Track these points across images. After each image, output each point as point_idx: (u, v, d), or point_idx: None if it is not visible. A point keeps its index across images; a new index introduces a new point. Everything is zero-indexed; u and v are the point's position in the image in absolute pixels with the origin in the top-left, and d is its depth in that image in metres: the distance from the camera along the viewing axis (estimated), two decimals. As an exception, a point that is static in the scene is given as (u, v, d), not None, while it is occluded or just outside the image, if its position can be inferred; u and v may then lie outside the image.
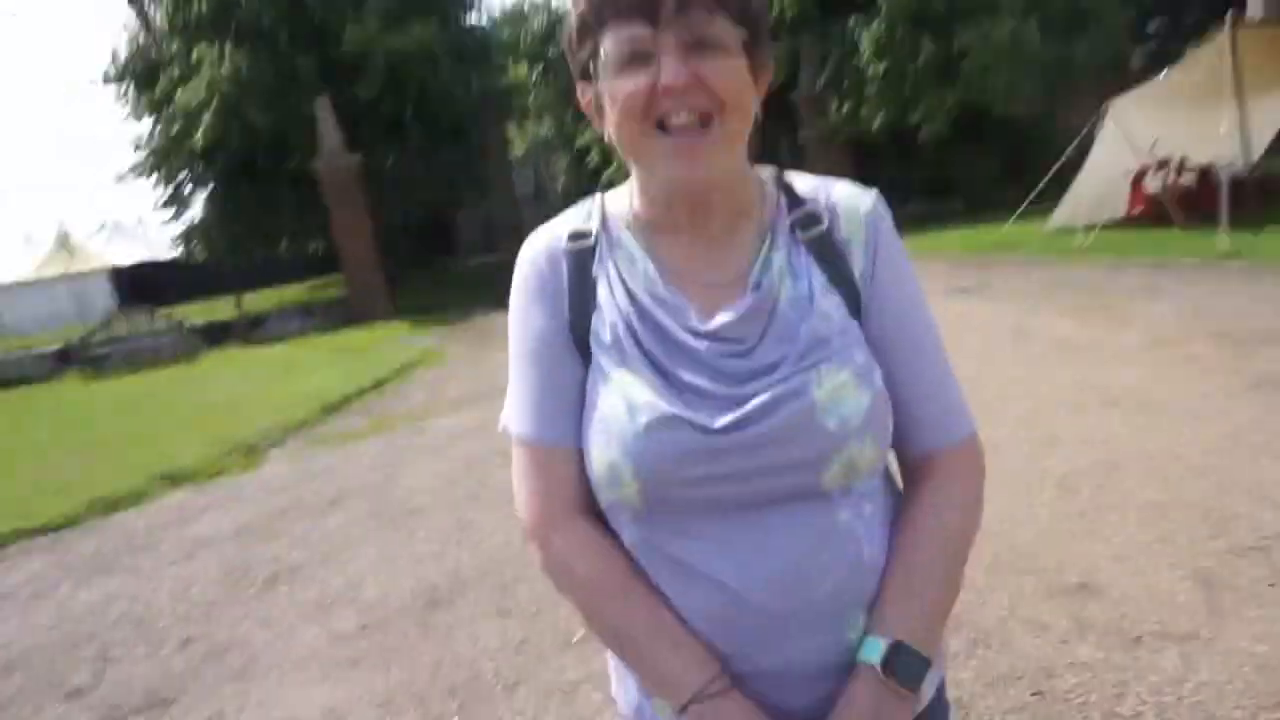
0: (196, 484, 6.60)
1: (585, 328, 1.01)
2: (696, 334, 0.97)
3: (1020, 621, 2.91)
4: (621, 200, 1.07)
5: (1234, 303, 7.12)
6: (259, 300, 21.87)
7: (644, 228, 1.04)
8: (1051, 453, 4.37)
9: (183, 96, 19.34)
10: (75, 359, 14.86)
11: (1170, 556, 3.17)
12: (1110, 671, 2.57)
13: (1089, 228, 11.44)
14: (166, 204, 22.59)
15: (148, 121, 21.53)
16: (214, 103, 18.64)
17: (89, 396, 12.69)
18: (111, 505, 6.28)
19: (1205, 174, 10.76)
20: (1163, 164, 11.20)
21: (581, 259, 1.04)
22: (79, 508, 6.23)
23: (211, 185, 21.94)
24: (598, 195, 1.10)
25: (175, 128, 19.82)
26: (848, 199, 1.04)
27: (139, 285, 28.70)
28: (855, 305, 0.99)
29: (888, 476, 1.04)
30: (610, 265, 1.03)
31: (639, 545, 0.98)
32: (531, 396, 1.03)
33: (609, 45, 0.92)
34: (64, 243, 32.97)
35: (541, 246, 1.06)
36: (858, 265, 1.00)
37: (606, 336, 0.99)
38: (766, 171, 1.08)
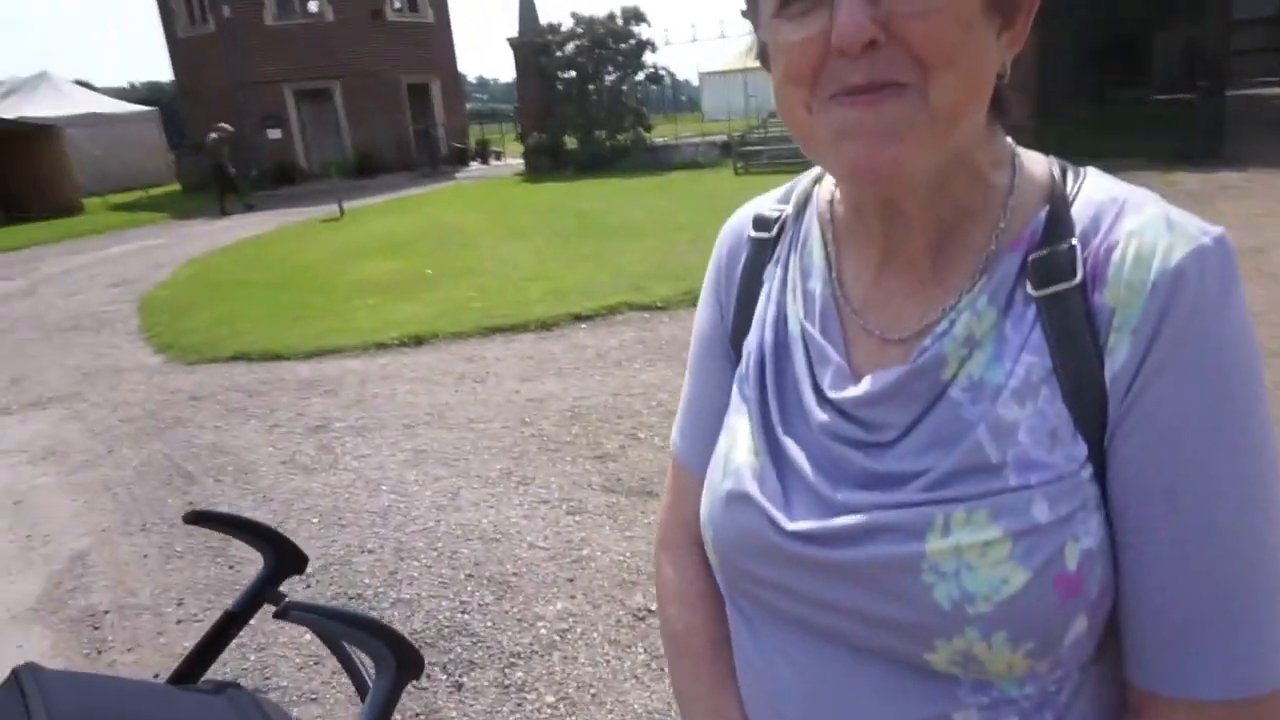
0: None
1: (743, 341, 0.82)
2: (822, 398, 0.72)
3: None
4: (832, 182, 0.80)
5: None
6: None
7: (838, 226, 0.77)
8: None
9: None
10: (731, 151, 16.86)
11: None
12: None
13: None
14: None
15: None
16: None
17: (731, 188, 14.43)
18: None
19: None
20: None
21: (760, 252, 0.82)
22: (676, 295, 7.33)
23: None
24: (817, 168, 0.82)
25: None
26: (1141, 242, 0.61)
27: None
28: (1093, 423, 0.62)
29: (1092, 692, 0.67)
30: (780, 270, 0.80)
31: (729, 614, 0.82)
32: (683, 405, 0.89)
33: None
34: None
35: (731, 227, 0.87)
36: (1117, 358, 0.61)
37: (744, 363, 0.79)
38: (1039, 167, 0.71)
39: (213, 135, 18.02)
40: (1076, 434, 0.62)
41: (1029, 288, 0.65)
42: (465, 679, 2.71)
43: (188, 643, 3.12)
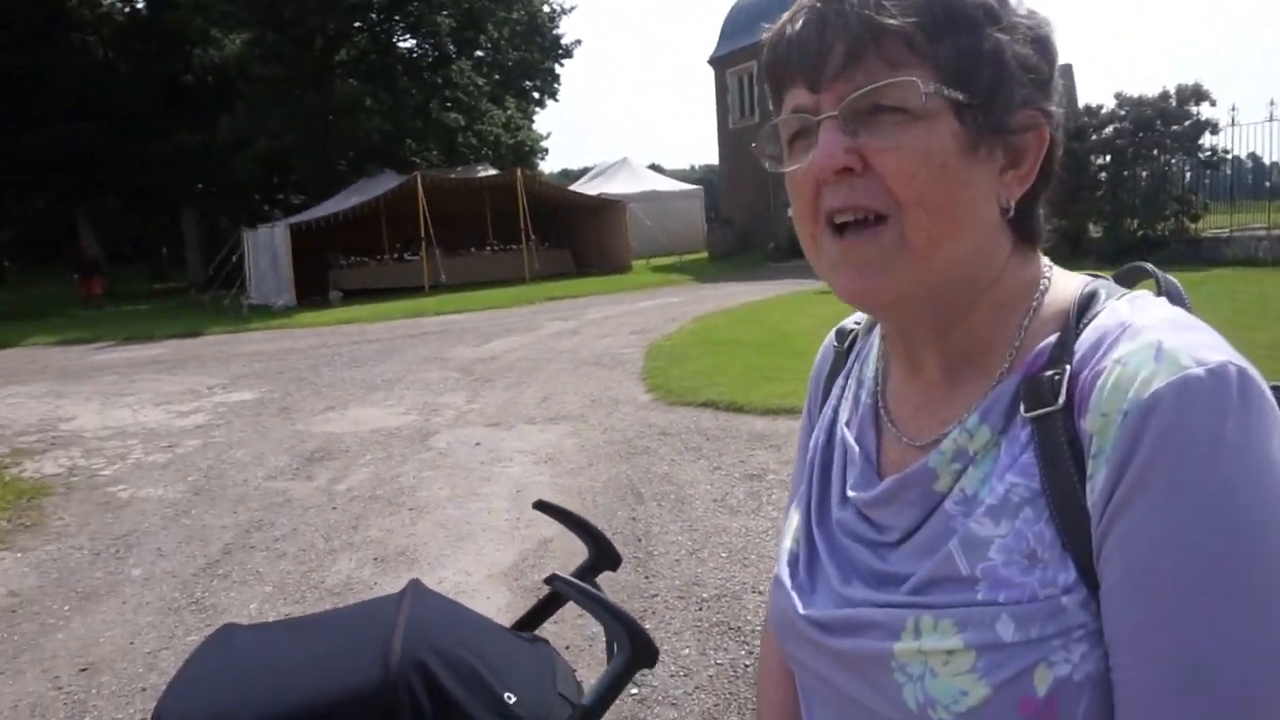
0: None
1: None
2: (843, 498, 0.79)
3: None
4: None
5: None
6: None
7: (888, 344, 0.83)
8: None
9: None
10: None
11: None
12: None
13: None
14: None
15: None
16: None
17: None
18: None
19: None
20: None
21: (837, 363, 0.91)
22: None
23: None
24: None
25: None
26: (1123, 369, 0.60)
27: None
28: (1081, 549, 0.60)
29: None
30: (844, 380, 0.88)
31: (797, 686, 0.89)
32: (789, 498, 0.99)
33: (781, 118, 0.72)
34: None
35: (828, 337, 0.95)
36: (1096, 484, 0.60)
37: (805, 461, 0.88)
38: (1067, 291, 0.71)
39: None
40: (1066, 558, 0.61)
41: (1023, 410, 0.66)
42: None
43: (596, 628, 3.64)
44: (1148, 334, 0.61)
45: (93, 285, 23.19)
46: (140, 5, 31.13)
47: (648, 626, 3.62)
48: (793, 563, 0.81)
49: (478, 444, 6.79)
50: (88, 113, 28.32)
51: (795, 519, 0.84)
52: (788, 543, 0.83)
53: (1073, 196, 18.88)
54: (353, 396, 9.04)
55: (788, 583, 0.79)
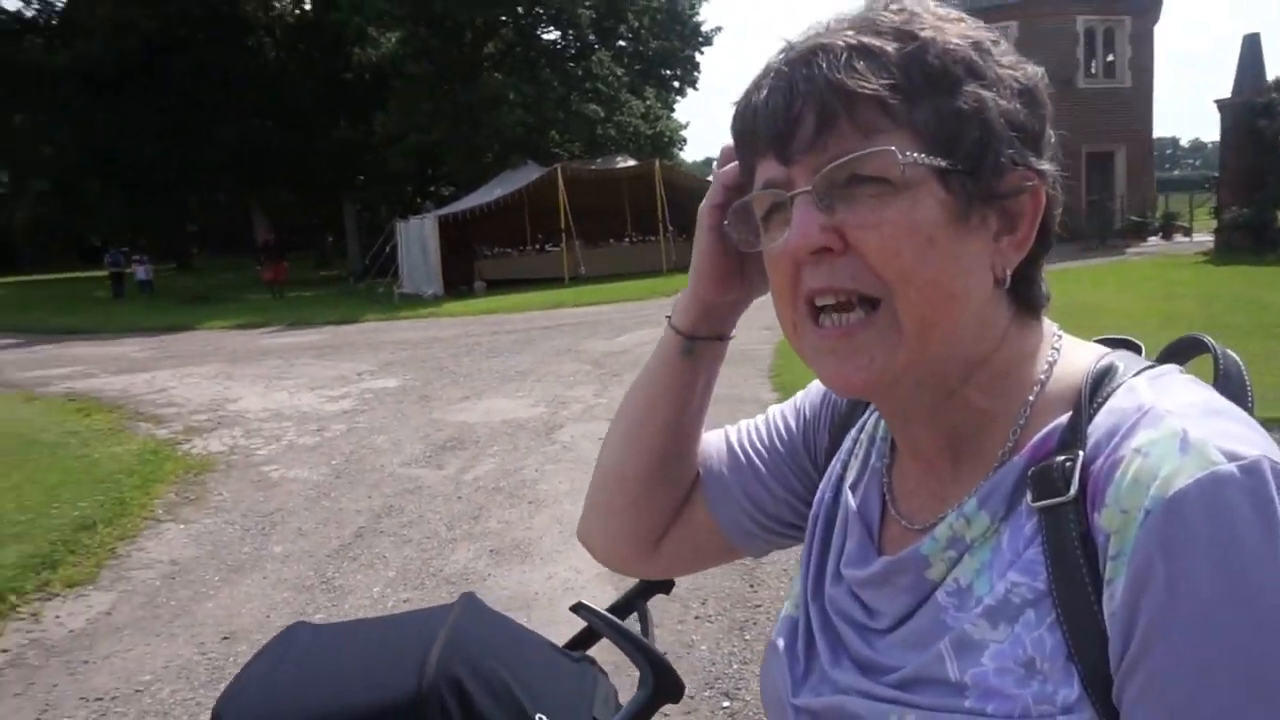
0: None
1: (813, 479, 0.85)
2: (837, 573, 0.74)
3: None
4: None
5: None
6: None
7: None
8: None
9: None
10: None
11: None
12: None
13: None
14: None
15: None
16: None
17: None
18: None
19: None
20: None
21: (853, 408, 0.84)
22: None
23: None
24: None
25: None
26: (1144, 461, 0.54)
27: None
28: (1091, 663, 0.54)
29: None
30: (857, 432, 0.81)
31: None
32: (749, 426, 0.93)
33: (752, 194, 0.68)
34: None
35: None
36: (1115, 591, 0.54)
37: (811, 512, 0.82)
38: (1080, 364, 0.65)
39: None
40: (1070, 670, 0.56)
41: (1029, 501, 0.60)
42: None
43: (697, 636, 3.65)
44: (1170, 420, 0.55)
45: (278, 271, 24.94)
46: (308, 6, 33.22)
47: (748, 637, 3.60)
48: (791, 632, 0.76)
49: (601, 439, 6.88)
50: (263, 112, 30.57)
51: (797, 585, 0.80)
52: (788, 608, 0.79)
53: (1258, 181, 17.30)
54: (487, 387, 9.39)
55: (784, 658, 0.75)
